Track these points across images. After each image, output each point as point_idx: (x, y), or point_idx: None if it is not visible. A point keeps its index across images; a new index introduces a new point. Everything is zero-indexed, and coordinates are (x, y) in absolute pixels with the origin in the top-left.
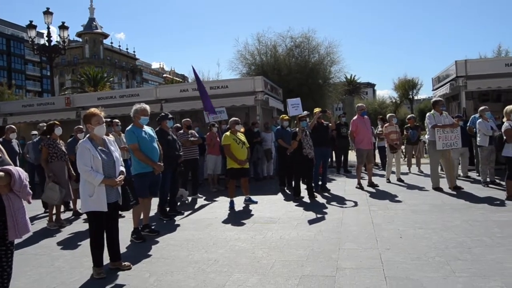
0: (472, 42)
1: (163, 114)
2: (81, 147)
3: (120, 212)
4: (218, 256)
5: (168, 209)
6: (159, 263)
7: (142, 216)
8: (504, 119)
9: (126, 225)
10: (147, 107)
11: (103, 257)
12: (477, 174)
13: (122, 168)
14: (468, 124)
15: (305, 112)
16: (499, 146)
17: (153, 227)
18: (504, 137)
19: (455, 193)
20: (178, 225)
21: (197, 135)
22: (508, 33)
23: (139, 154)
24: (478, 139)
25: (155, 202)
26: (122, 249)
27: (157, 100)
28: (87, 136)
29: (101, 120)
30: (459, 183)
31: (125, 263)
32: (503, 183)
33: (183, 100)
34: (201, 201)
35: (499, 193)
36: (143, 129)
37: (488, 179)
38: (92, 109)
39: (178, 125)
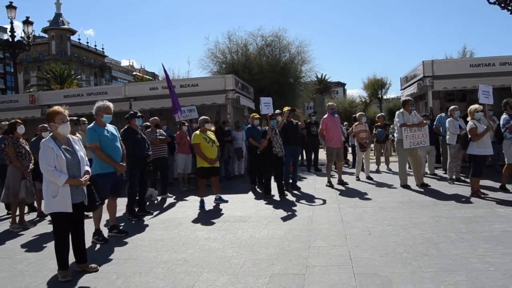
0: (438, 43)
1: (132, 112)
2: (43, 146)
3: (86, 213)
4: (188, 256)
5: (136, 209)
6: (127, 264)
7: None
8: (468, 118)
9: (93, 226)
10: (111, 104)
11: (69, 260)
12: (444, 172)
13: (88, 168)
14: (434, 123)
15: (278, 111)
16: (464, 144)
17: (121, 228)
18: (469, 136)
19: (422, 190)
20: (147, 225)
21: (165, 134)
22: (473, 35)
23: (100, 154)
24: (447, 137)
25: (123, 202)
26: (89, 250)
27: (126, 98)
28: (50, 135)
29: (65, 118)
30: (426, 180)
31: (92, 265)
32: (468, 180)
33: (152, 99)
34: (170, 200)
35: (464, 190)
36: (106, 128)
37: (454, 177)
38: (56, 107)
39: (147, 123)
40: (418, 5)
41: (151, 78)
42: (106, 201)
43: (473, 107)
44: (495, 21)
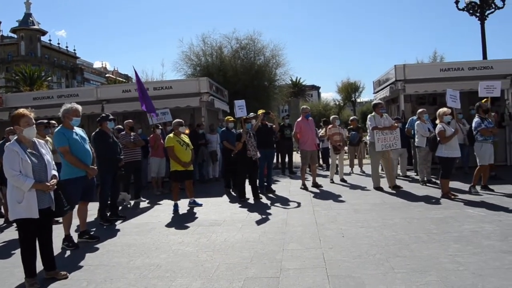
0: (410, 47)
1: (103, 115)
2: (7, 150)
3: (56, 219)
4: (161, 261)
5: (108, 213)
6: (98, 271)
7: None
8: (437, 121)
9: (63, 231)
10: (79, 107)
11: (37, 267)
12: (415, 174)
13: (55, 172)
14: (406, 126)
15: (252, 114)
16: (433, 146)
17: (92, 233)
18: (438, 138)
19: (394, 192)
20: (119, 230)
21: (140, 137)
22: (443, 40)
23: (70, 158)
24: (416, 140)
25: (94, 206)
26: (59, 257)
27: (98, 100)
28: (15, 138)
29: (30, 121)
30: (398, 182)
31: (61, 272)
32: (439, 182)
33: (125, 101)
34: (144, 204)
35: (435, 191)
36: (74, 131)
37: (425, 178)
38: (21, 110)
39: (120, 126)
40: (391, 10)
41: (124, 80)
42: (77, 206)
43: (442, 110)
44: (464, 27)
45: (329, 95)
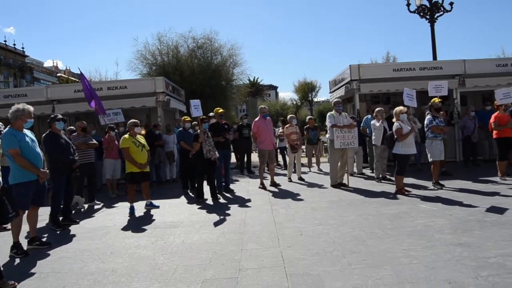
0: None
1: (52, 115)
2: None
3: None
4: (116, 265)
5: (61, 218)
6: (49, 278)
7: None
8: (394, 119)
9: (11, 238)
10: (32, 108)
11: None
12: (371, 171)
13: None
14: (361, 125)
15: (211, 114)
16: (390, 144)
17: (43, 239)
18: (395, 136)
19: (351, 189)
20: (73, 235)
21: (93, 138)
22: (395, 41)
23: (21, 161)
24: (373, 138)
25: (46, 211)
26: (7, 266)
27: (48, 101)
28: None
29: None
30: (355, 180)
31: (10, 282)
32: (393, 178)
33: (77, 101)
34: (98, 208)
35: (390, 187)
36: (24, 133)
37: (380, 175)
38: None
39: (72, 127)
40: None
41: (77, 80)
42: (26, 211)
43: (398, 109)
44: (415, 29)
45: (287, 94)
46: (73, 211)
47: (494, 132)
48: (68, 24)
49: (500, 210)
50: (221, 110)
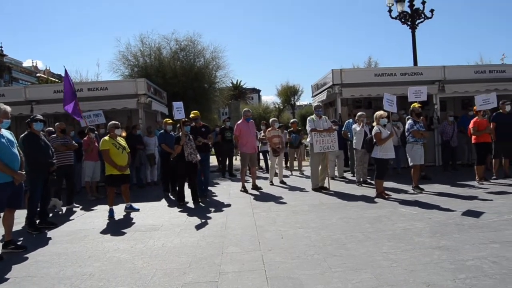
0: (346, 52)
1: (32, 116)
2: None
3: None
4: (94, 269)
5: (38, 221)
6: (24, 283)
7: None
8: (374, 123)
9: None
10: (8, 108)
11: None
12: (352, 175)
13: None
14: (343, 129)
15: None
16: (369, 148)
17: (19, 243)
18: (374, 140)
19: (332, 192)
20: (50, 238)
21: (72, 140)
22: (377, 46)
23: None
24: (354, 142)
25: (22, 214)
26: None
27: (27, 101)
28: None
29: None
30: (336, 183)
31: None
32: (374, 182)
33: (57, 102)
34: (77, 211)
35: (370, 191)
36: (1, 133)
37: (361, 179)
38: None
39: (51, 128)
40: (328, 15)
41: (57, 80)
42: (2, 214)
43: (379, 113)
44: (397, 35)
45: (270, 98)
46: (51, 214)
47: (473, 137)
48: (49, 23)
49: (477, 214)
50: (192, 115)
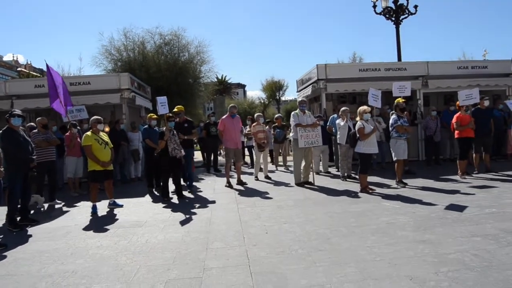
0: (331, 48)
1: (10, 111)
2: None
3: None
4: (76, 266)
5: (19, 218)
6: (4, 282)
7: None
8: (357, 119)
9: None
10: None
11: None
12: (336, 170)
13: None
14: (327, 124)
15: (176, 109)
16: (353, 143)
17: None
18: (357, 135)
19: (317, 187)
20: (31, 235)
21: (54, 136)
22: (361, 41)
23: None
24: (338, 137)
25: (2, 211)
26: None
27: (7, 96)
28: None
29: None
30: (321, 178)
31: None
32: (358, 177)
33: (38, 97)
34: (59, 207)
35: (354, 186)
36: None
37: (345, 174)
38: None
39: (32, 124)
40: (313, 10)
41: (38, 75)
42: None
43: (362, 108)
44: (381, 30)
45: (255, 93)
46: (32, 211)
47: (456, 132)
48: (30, 17)
49: (460, 208)
50: (175, 110)
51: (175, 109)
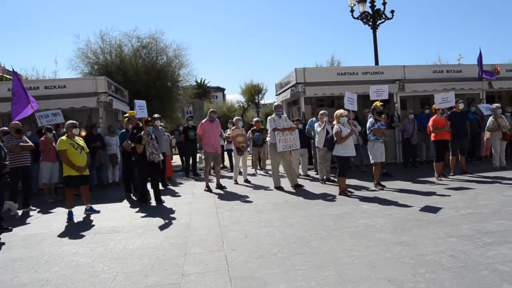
0: (309, 52)
1: None
2: None
3: None
4: (51, 275)
5: None
6: None
7: None
8: (334, 122)
9: None
10: None
11: None
12: (316, 173)
13: None
14: (306, 127)
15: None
16: (330, 146)
17: None
18: (335, 138)
19: (294, 191)
20: (3, 243)
21: (28, 140)
22: (339, 45)
23: None
24: (316, 140)
25: None
26: None
27: None
28: None
29: None
30: (300, 181)
31: None
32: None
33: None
34: (34, 214)
35: (333, 189)
36: None
37: (324, 177)
38: None
39: (5, 128)
40: (292, 14)
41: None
42: None
43: (339, 112)
44: (359, 34)
45: (234, 96)
46: (5, 218)
47: (432, 134)
48: (2, 17)
49: (435, 210)
50: (127, 115)
51: (127, 114)
